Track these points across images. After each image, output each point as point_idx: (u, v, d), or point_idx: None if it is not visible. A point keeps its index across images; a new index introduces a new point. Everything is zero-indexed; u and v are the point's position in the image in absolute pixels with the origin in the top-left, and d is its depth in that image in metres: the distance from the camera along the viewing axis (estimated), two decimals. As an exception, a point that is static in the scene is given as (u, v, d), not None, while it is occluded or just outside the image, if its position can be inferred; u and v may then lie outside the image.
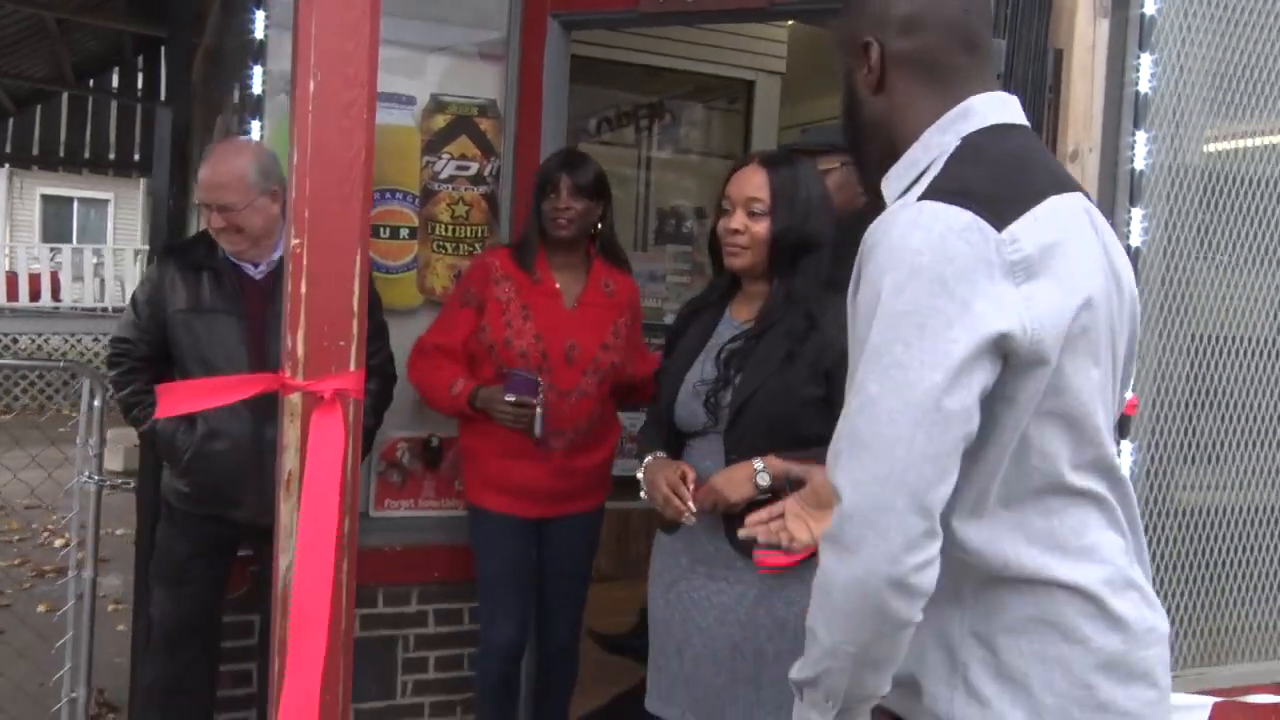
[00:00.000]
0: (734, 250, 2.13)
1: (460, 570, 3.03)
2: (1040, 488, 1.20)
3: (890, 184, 1.30)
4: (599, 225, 2.83)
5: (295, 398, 1.59)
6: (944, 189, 1.17)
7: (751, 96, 5.51)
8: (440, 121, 3.09)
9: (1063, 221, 1.18)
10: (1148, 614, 1.23)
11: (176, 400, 1.61)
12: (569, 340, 2.71)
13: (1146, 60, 2.11)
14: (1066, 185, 1.24)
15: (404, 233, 3.08)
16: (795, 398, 2.02)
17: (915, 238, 1.13)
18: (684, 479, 2.08)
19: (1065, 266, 1.16)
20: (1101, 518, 1.23)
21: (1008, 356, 1.13)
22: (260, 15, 2.84)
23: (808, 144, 2.66)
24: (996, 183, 1.18)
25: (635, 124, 6.47)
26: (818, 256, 2.10)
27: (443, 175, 3.09)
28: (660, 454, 2.19)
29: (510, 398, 2.58)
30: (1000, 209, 1.14)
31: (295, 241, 1.57)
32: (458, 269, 3.08)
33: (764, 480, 2.00)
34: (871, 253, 1.17)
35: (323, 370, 1.60)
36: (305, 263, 1.57)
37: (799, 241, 2.09)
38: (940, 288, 1.10)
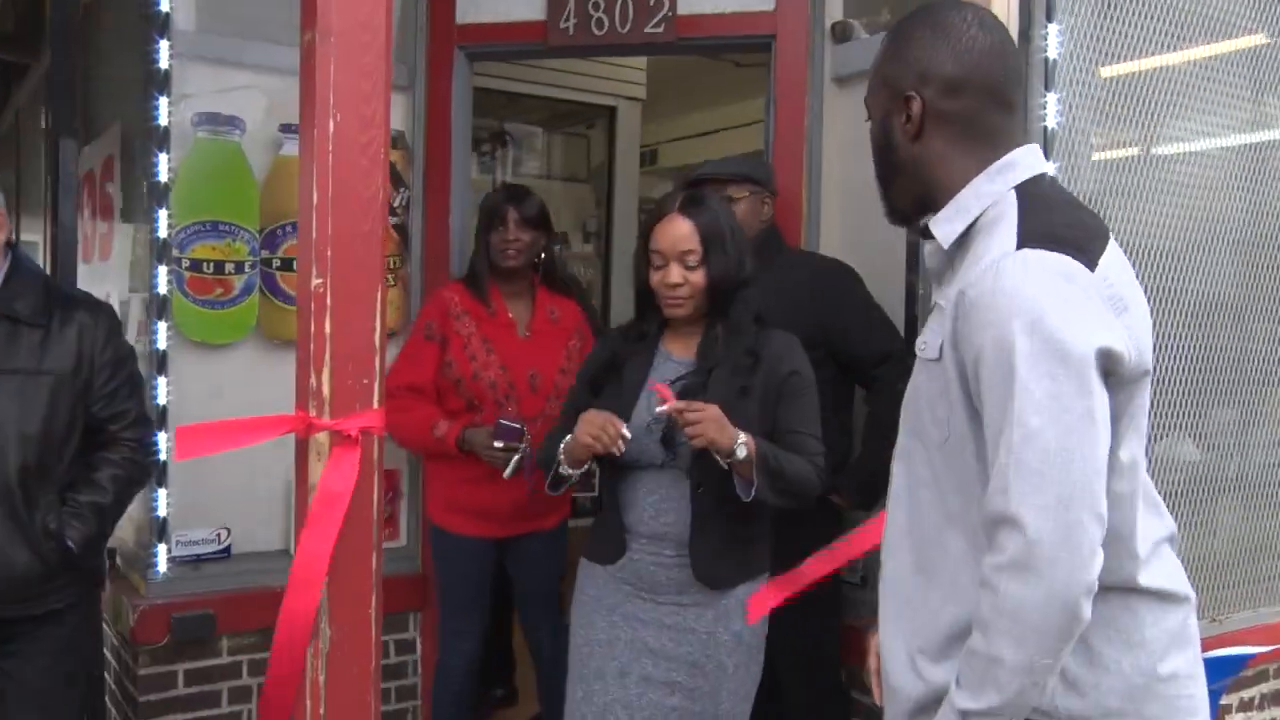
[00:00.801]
0: (676, 302, 2.16)
1: (393, 601, 3.02)
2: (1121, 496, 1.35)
3: (942, 226, 1.42)
4: (542, 255, 2.95)
5: (322, 437, 1.61)
6: (1037, 236, 1.30)
7: (614, 121, 5.65)
8: (351, 152, 3.08)
9: (1122, 261, 1.38)
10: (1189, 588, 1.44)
11: (196, 443, 1.59)
12: (530, 369, 2.81)
13: (1052, 99, 2.38)
14: (1105, 228, 1.41)
15: (317, 265, 3.06)
16: (754, 429, 2.08)
17: (1031, 284, 1.26)
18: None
19: (1136, 299, 1.36)
20: (1155, 519, 1.42)
21: (1115, 375, 1.28)
22: (165, 45, 2.77)
23: (718, 174, 2.72)
24: (1073, 229, 1.33)
25: (477, 151, 6.55)
26: (747, 292, 2.19)
27: (356, 206, 3.08)
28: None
29: (499, 444, 2.65)
30: (1087, 253, 1.30)
31: (318, 281, 1.60)
32: (376, 300, 3.08)
33: (740, 453, 2.02)
34: (986, 301, 1.28)
35: (348, 409, 1.63)
36: (329, 302, 1.60)
37: (735, 281, 2.17)
38: (1065, 324, 1.24)
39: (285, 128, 2.98)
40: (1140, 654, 1.36)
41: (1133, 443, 1.36)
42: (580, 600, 2.25)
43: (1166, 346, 2.75)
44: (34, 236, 5.31)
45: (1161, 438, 2.87)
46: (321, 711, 1.60)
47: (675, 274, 2.14)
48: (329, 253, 1.60)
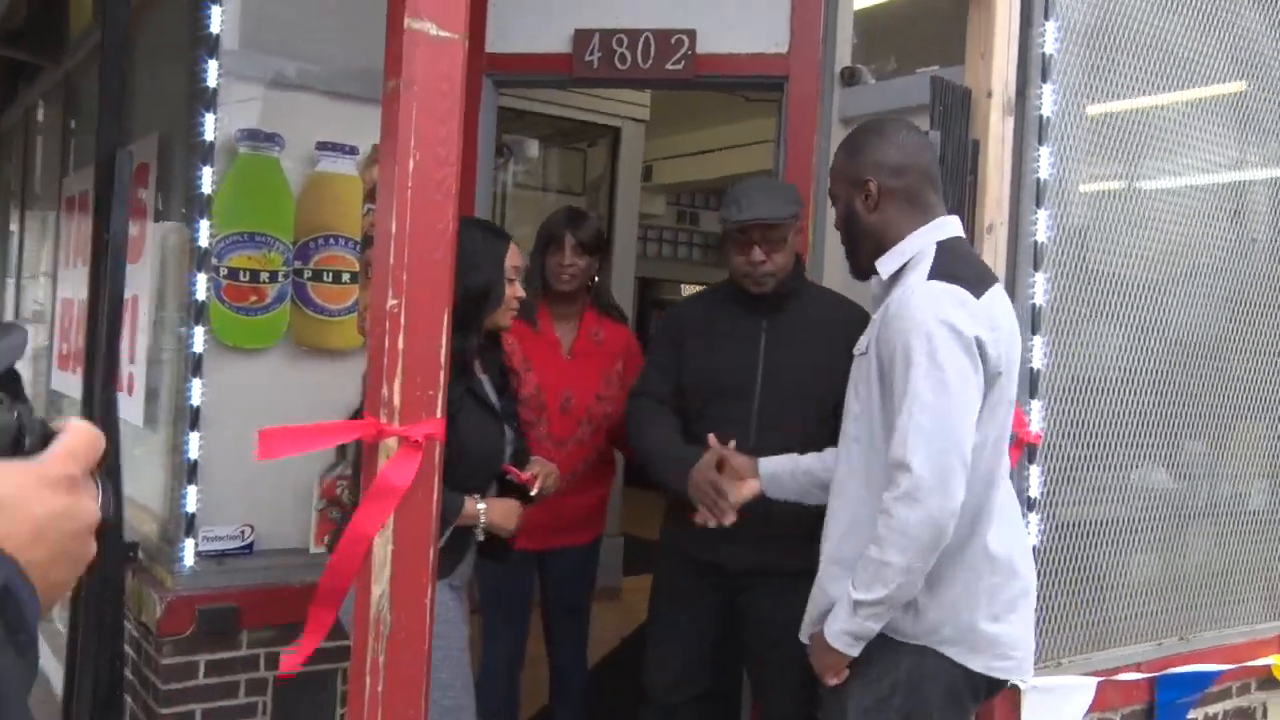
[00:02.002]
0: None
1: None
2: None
3: (884, 265, 2.09)
4: (594, 279, 3.14)
5: (391, 442, 1.82)
6: (943, 274, 1.97)
7: (618, 140, 5.88)
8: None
9: (1004, 298, 2.06)
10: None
11: (276, 444, 1.80)
12: (564, 392, 3.00)
13: (1045, 152, 2.62)
14: (994, 275, 2.12)
15: (345, 277, 3.25)
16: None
17: (934, 304, 1.92)
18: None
19: (1008, 326, 2.01)
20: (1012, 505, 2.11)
21: (983, 366, 1.92)
22: (214, 64, 2.98)
23: (773, 219, 2.62)
24: (969, 270, 2.02)
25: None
26: None
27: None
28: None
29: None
30: (976, 288, 1.97)
31: (393, 302, 1.81)
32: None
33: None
34: (902, 312, 1.95)
35: (415, 417, 1.83)
36: (404, 321, 1.81)
37: None
38: (954, 332, 1.90)
39: (322, 145, 3.19)
40: (980, 601, 1.99)
41: (989, 428, 1.96)
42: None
43: (1144, 379, 2.97)
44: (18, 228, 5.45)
45: (1136, 466, 3.10)
46: (380, 689, 1.81)
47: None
48: (404, 277, 1.80)
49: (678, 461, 2.52)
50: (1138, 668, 2.90)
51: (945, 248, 2.04)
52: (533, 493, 2.44)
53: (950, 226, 2.09)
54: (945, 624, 1.99)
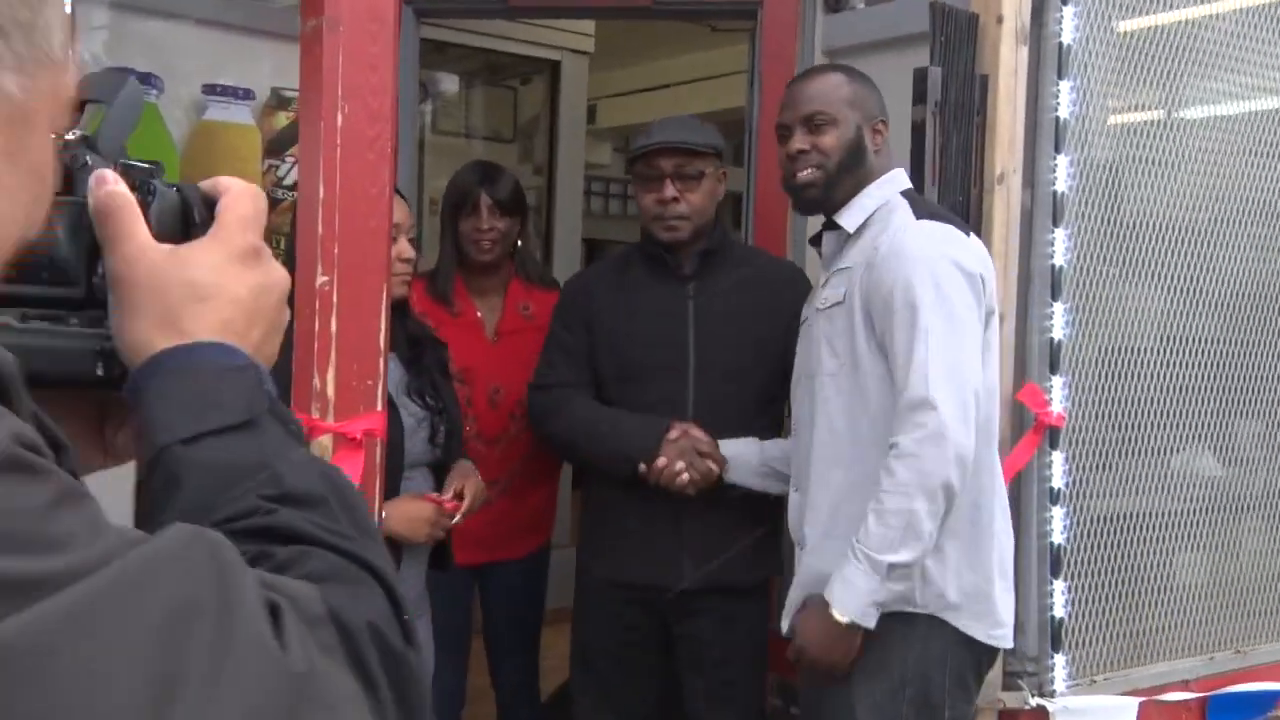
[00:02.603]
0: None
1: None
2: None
3: (845, 217, 2.41)
4: (518, 243, 3.23)
5: (325, 440, 1.97)
6: (928, 214, 2.35)
7: (557, 77, 5.99)
8: (283, 119, 3.40)
9: (982, 245, 2.42)
10: None
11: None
12: (492, 383, 3.11)
13: (1065, 87, 2.80)
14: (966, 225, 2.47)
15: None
16: None
17: (933, 242, 2.26)
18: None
19: (991, 269, 2.37)
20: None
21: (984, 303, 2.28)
22: (77, -4, 3.08)
23: (691, 144, 2.79)
24: (948, 214, 2.41)
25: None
26: None
27: (288, 181, 3.39)
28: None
29: None
30: (962, 228, 2.36)
31: (323, 279, 1.96)
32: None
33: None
34: (897, 252, 2.26)
35: (351, 411, 1.99)
36: (335, 300, 1.96)
37: None
38: (959, 268, 2.22)
39: (209, 89, 3.30)
40: (980, 560, 2.28)
41: (987, 372, 2.27)
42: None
43: (1187, 347, 3.09)
44: None
45: (1179, 450, 3.27)
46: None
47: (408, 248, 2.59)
48: (335, 250, 1.95)
49: (639, 424, 2.70)
50: (1186, 686, 3.05)
51: (912, 196, 2.42)
52: (455, 519, 2.53)
53: (902, 178, 2.48)
54: (950, 588, 2.25)
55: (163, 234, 0.76)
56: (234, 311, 0.75)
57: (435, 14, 3.68)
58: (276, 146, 3.39)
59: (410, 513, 2.45)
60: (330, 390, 1.96)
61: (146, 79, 3.19)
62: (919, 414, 2.15)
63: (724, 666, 2.79)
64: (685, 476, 2.64)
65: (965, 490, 2.22)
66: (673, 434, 2.67)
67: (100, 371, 0.76)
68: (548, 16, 4.46)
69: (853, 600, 2.18)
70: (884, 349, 2.27)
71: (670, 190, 2.74)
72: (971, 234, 2.39)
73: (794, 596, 2.39)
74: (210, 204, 0.79)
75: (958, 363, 2.17)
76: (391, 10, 1.96)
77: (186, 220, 0.78)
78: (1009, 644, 2.40)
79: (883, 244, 2.30)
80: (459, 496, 2.52)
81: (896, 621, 2.24)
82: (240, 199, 0.78)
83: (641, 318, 2.81)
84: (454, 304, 3.13)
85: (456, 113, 7.03)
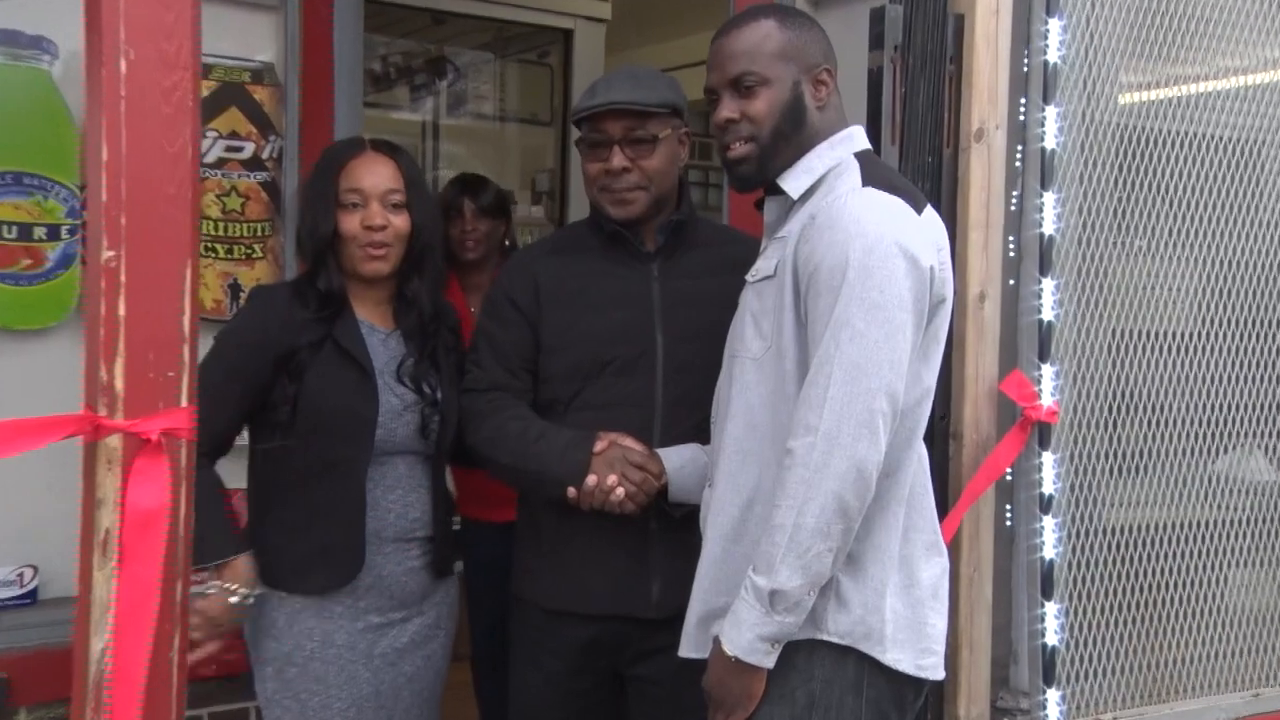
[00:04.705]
0: (379, 252, 2.57)
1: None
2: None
3: (790, 182, 2.18)
4: (506, 242, 3.88)
5: (113, 441, 1.77)
6: (876, 182, 2.08)
7: (570, 47, 5.82)
8: (202, 89, 3.22)
9: (937, 219, 2.16)
10: None
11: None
12: None
13: (1055, 26, 2.53)
14: (924, 197, 2.21)
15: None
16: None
17: (877, 217, 2.01)
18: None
19: (947, 247, 2.14)
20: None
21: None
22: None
23: (638, 104, 2.54)
24: (903, 184, 2.16)
25: (409, 82, 6.67)
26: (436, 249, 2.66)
27: (208, 158, 3.25)
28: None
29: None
30: (914, 202, 2.10)
31: (109, 254, 1.75)
32: (233, 277, 3.25)
33: None
34: (833, 223, 2.01)
35: (147, 407, 1.78)
36: (123, 279, 1.76)
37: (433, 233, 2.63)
38: (897, 249, 1.97)
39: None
40: (907, 581, 2.10)
41: (924, 372, 2.09)
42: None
43: (1223, 329, 2.88)
44: None
45: (1224, 451, 3.01)
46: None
47: (378, 215, 2.49)
48: (123, 220, 1.74)
49: (569, 441, 2.47)
50: (1223, 728, 2.83)
51: (867, 158, 2.18)
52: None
53: (859, 138, 2.23)
54: (871, 613, 2.05)
55: None
56: None
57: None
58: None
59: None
60: (119, 383, 1.76)
61: (38, 42, 3.06)
62: (810, 415, 1.95)
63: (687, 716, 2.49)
64: (620, 492, 2.40)
65: (889, 500, 2.05)
66: (598, 446, 2.44)
67: None
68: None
69: (739, 635, 1.98)
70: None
71: (619, 159, 2.50)
72: (927, 209, 2.12)
73: (690, 609, 2.20)
74: None
75: (870, 362, 1.95)
76: (187, -69, 1.76)
77: None
78: (940, 674, 2.15)
79: (821, 209, 2.07)
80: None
81: (803, 647, 2.03)
82: None
83: (597, 305, 2.57)
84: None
85: (490, 91, 6.86)
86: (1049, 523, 2.58)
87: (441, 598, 2.66)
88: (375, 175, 2.51)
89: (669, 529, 2.51)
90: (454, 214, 3.74)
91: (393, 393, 2.53)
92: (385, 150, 2.58)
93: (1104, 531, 2.70)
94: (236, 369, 2.47)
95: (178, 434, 1.81)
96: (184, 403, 1.82)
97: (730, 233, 2.83)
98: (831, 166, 2.15)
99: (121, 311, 1.76)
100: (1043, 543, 2.57)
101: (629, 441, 2.46)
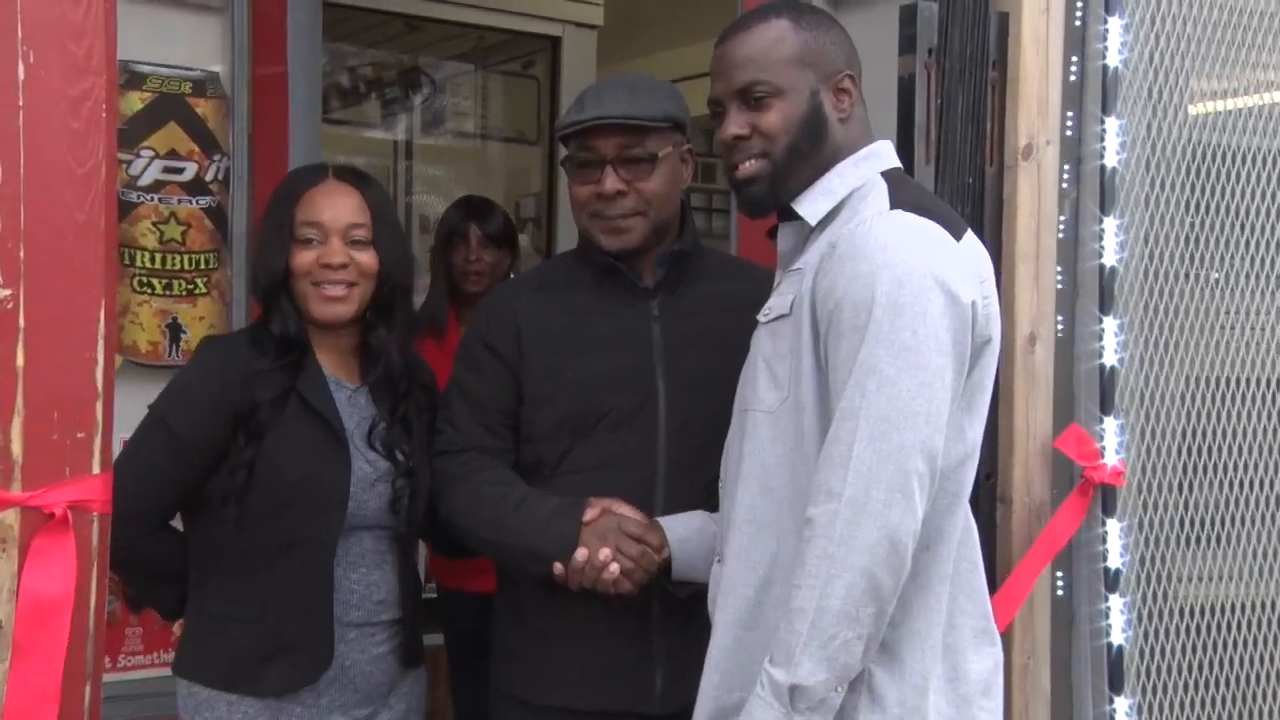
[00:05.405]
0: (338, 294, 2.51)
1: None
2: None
3: (806, 206, 2.10)
4: (511, 275, 3.83)
5: (8, 516, 1.68)
6: (908, 204, 2.00)
7: (558, 56, 5.83)
8: (136, 102, 3.17)
9: (980, 248, 2.08)
10: None
11: None
12: None
13: (1116, 26, 2.47)
14: (963, 221, 2.12)
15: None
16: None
17: (902, 241, 1.92)
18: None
19: (991, 279, 2.05)
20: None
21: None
22: None
23: (637, 118, 2.49)
24: (938, 206, 2.09)
25: (380, 97, 6.64)
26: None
27: (143, 181, 3.18)
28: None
29: None
30: (952, 227, 2.01)
31: (5, 293, 1.68)
32: (172, 315, 3.16)
33: None
34: (855, 254, 1.93)
35: (51, 476, 1.69)
36: (21, 323, 1.67)
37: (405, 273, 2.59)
38: (932, 281, 1.88)
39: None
40: (955, 674, 2.01)
41: (969, 426, 2.00)
42: None
43: None
44: None
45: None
46: None
47: (339, 252, 2.43)
48: (21, 254, 1.66)
49: (554, 509, 2.39)
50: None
51: (896, 178, 2.11)
52: None
53: (888, 155, 2.17)
54: (910, 713, 1.95)
55: None
56: None
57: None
58: (129, 137, 3.15)
59: None
60: (16, 447, 1.67)
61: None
62: (833, 478, 1.86)
63: None
64: (615, 568, 2.31)
65: (929, 578, 1.96)
66: (589, 514, 2.35)
67: None
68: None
69: None
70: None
71: (612, 181, 2.43)
72: (967, 235, 2.05)
73: (702, 709, 2.11)
74: None
75: (901, 414, 1.86)
76: (99, -84, 1.67)
77: None
78: None
79: (843, 237, 1.98)
80: None
81: None
82: None
83: (589, 349, 2.51)
84: (444, 334, 3.60)
85: (470, 107, 6.83)
86: (1116, 602, 2.51)
87: (409, 688, 2.59)
88: (336, 207, 2.46)
89: (673, 611, 2.43)
90: (457, 240, 3.80)
91: (364, 459, 2.47)
92: (350, 179, 2.53)
93: (1180, 613, 2.64)
94: (182, 439, 2.38)
95: (88, 507, 1.74)
96: (97, 469, 1.75)
97: (739, 265, 2.80)
98: (855, 188, 2.08)
99: (20, 361, 1.69)
100: (1109, 626, 2.50)
101: (625, 509, 2.37)
